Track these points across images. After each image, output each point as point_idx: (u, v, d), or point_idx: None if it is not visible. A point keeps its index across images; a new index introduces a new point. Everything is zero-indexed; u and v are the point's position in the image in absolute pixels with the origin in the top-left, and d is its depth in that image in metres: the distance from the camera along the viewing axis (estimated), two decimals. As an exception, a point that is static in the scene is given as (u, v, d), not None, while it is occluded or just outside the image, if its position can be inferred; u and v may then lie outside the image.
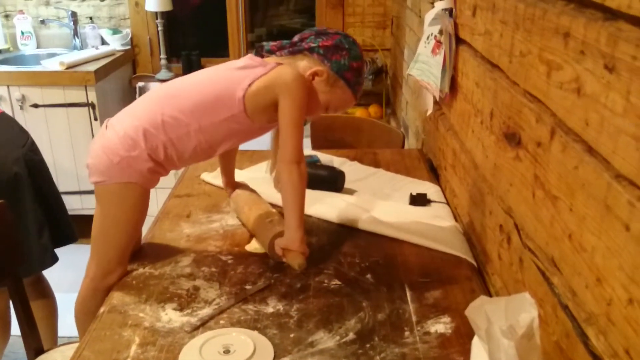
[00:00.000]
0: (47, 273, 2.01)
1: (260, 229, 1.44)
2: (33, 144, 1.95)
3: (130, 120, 1.31)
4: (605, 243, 0.76)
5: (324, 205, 1.64)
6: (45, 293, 2.04)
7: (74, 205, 3.15)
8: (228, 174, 1.64)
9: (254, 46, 1.35)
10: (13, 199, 1.76)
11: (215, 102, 1.30)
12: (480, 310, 0.81)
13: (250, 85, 1.28)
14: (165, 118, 1.29)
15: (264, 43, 1.39)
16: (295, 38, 1.36)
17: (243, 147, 1.57)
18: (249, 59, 1.35)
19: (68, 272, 2.61)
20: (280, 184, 1.32)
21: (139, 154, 1.28)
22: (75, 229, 2.06)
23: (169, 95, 1.34)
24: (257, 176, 1.82)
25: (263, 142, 1.58)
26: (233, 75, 1.32)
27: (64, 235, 2.00)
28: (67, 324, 1.87)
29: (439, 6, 1.69)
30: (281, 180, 1.30)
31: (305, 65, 1.32)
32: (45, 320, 2.00)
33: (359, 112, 3.29)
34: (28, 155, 1.88)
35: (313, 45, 1.32)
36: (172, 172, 1.45)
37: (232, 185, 1.64)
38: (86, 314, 1.43)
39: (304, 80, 1.29)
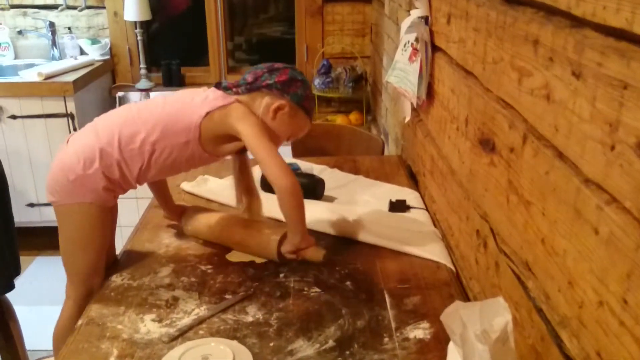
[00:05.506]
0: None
1: (255, 238, 1.45)
2: None
3: (90, 137, 1.34)
4: (575, 247, 0.78)
5: (303, 213, 1.64)
6: (7, 317, 1.88)
7: (52, 217, 3.09)
8: (168, 201, 1.60)
9: (216, 83, 1.43)
10: None
11: (175, 124, 1.34)
12: (455, 315, 0.81)
13: (208, 113, 1.33)
14: (122, 136, 1.32)
15: (222, 81, 1.43)
16: (249, 77, 1.39)
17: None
18: (212, 91, 1.40)
19: (43, 284, 2.58)
20: (278, 196, 1.35)
21: (94, 173, 1.31)
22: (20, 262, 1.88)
23: (132, 114, 1.37)
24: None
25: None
26: (193, 102, 1.36)
27: (11, 270, 1.83)
28: (46, 337, 1.83)
29: (414, 14, 1.70)
30: (278, 194, 1.34)
31: (267, 101, 1.37)
32: (8, 346, 1.86)
33: (339, 120, 3.30)
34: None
35: (270, 82, 1.37)
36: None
37: (177, 210, 1.60)
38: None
39: (255, 115, 1.36)
